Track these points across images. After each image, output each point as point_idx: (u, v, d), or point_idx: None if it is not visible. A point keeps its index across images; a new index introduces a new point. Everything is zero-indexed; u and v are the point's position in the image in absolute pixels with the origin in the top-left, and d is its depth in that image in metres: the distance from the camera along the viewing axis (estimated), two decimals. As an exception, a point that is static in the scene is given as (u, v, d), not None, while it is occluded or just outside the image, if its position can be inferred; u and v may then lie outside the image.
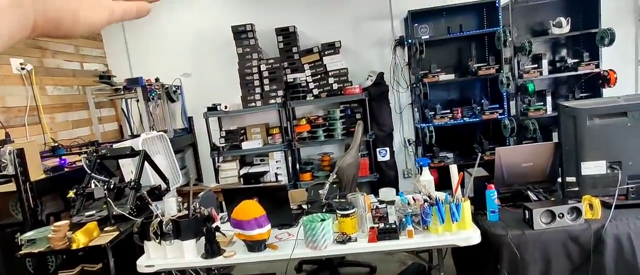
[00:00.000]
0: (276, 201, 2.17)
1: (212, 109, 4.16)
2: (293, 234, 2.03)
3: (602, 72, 3.80)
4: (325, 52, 4.14)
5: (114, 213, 2.24)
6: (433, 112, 4.07)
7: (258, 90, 4.08)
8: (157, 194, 2.57)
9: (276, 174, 4.02)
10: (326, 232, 1.87)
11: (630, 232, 1.74)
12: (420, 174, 2.29)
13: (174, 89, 4.01)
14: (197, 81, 4.52)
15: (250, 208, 1.92)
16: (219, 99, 4.23)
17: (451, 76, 4.11)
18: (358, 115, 4.28)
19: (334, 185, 2.53)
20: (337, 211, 1.98)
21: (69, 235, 2.05)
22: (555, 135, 4.19)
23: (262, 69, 4.05)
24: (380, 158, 4.18)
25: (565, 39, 4.16)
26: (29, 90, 3.36)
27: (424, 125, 3.98)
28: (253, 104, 4.09)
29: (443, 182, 4.20)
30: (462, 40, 4.23)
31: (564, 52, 4.22)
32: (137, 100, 3.83)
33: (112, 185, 2.29)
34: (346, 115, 4.26)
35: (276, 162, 4.17)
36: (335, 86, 4.16)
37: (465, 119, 4.02)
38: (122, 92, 3.64)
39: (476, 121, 3.99)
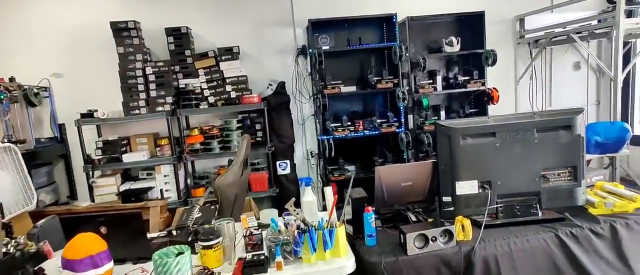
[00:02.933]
0: (130, 230, 1.82)
1: (87, 115, 3.60)
2: (148, 270, 1.71)
3: (487, 90, 4.06)
4: (222, 57, 3.84)
5: None
6: (335, 124, 3.99)
7: (143, 95, 3.63)
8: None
9: (162, 191, 3.59)
10: (182, 269, 1.58)
11: (497, 253, 1.74)
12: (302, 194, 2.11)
13: (36, 92, 3.38)
14: (71, 84, 3.90)
15: (85, 243, 1.56)
16: (98, 104, 3.69)
17: (353, 88, 4.08)
18: (257, 126, 4.05)
19: (212, 207, 2.25)
20: (199, 242, 1.70)
21: None
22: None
23: (148, 72, 3.61)
24: (280, 171, 3.98)
25: (457, 57, 4.39)
26: None
27: (324, 137, 3.88)
28: (137, 111, 3.62)
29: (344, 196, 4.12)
30: (363, 53, 4.23)
31: (455, 70, 4.45)
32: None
33: None
34: (244, 125, 4.00)
35: (164, 176, 3.74)
36: (232, 94, 3.88)
37: (365, 131, 4.00)
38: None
39: (376, 134, 4.00)
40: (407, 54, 3.84)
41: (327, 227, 1.71)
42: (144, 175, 3.86)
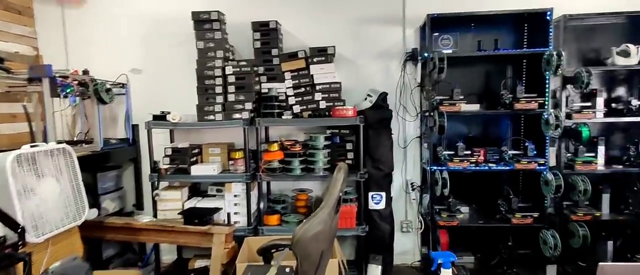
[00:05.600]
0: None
1: (160, 117, 3.16)
2: None
3: (683, 122, 2.80)
4: (314, 59, 3.15)
5: None
6: (449, 152, 3.06)
7: (220, 99, 3.08)
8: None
9: (229, 215, 2.97)
10: None
11: None
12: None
13: (108, 88, 3.01)
14: (149, 81, 3.53)
15: None
16: (173, 106, 3.24)
17: (475, 106, 3.10)
18: (348, 145, 3.27)
19: (286, 270, 1.50)
20: None
21: None
22: (605, 198, 3.17)
23: (227, 73, 3.06)
24: (372, 205, 3.14)
25: (629, 74, 3.18)
26: None
27: (435, 168, 2.96)
28: (211, 117, 3.08)
29: (457, 243, 3.19)
30: (493, 61, 3.24)
31: (623, 90, 3.23)
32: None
33: None
34: (333, 143, 3.25)
35: (235, 196, 3.14)
36: (322, 104, 3.17)
37: (490, 165, 3.00)
38: (25, 84, 2.64)
39: (505, 169, 2.97)
40: (563, 65, 2.77)
41: None
42: (214, 191, 3.31)
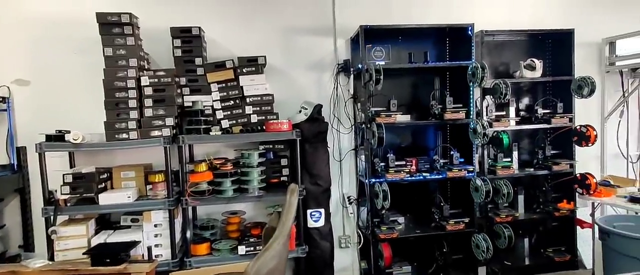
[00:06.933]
0: None
1: (56, 138, 2.62)
2: None
3: (580, 128, 3.16)
4: (244, 70, 2.92)
5: None
6: (382, 163, 3.04)
7: (134, 114, 2.66)
8: None
9: (150, 249, 2.55)
10: None
11: None
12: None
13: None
14: (39, 94, 2.94)
15: None
16: (73, 124, 2.71)
17: (407, 117, 3.15)
18: (283, 161, 3.08)
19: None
20: None
21: None
22: (521, 199, 3.45)
23: (143, 84, 2.66)
24: (312, 223, 2.98)
25: (533, 85, 3.53)
26: None
27: (374, 180, 2.92)
28: (124, 135, 2.64)
29: (394, 253, 3.13)
30: (421, 73, 3.35)
31: (527, 100, 3.58)
32: None
33: None
34: (267, 160, 3.03)
35: (155, 226, 2.72)
36: (254, 118, 2.94)
37: (424, 174, 3.05)
38: None
39: (438, 179, 3.05)
40: (486, 77, 2.95)
41: None
42: (128, 222, 2.84)
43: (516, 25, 3.38)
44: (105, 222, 2.91)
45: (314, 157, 2.96)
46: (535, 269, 3.33)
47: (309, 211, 2.97)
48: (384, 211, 2.96)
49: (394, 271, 3.14)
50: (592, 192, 3.05)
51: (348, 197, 3.31)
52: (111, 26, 2.61)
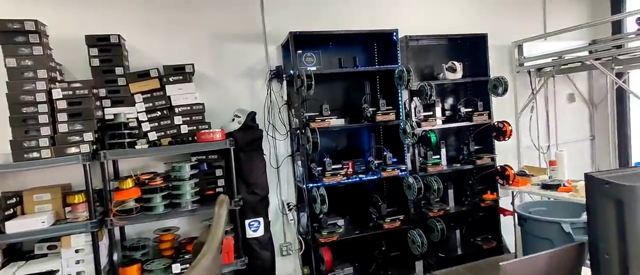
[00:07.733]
0: None
1: (-51, 162, 2.29)
2: None
3: (497, 124, 3.44)
4: (170, 79, 2.79)
5: None
6: (320, 168, 3.07)
7: (46, 131, 2.41)
8: None
9: (71, 278, 2.33)
10: None
11: None
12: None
13: None
14: None
15: None
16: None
17: (341, 121, 3.21)
18: (218, 172, 2.99)
19: None
20: None
21: None
22: (451, 193, 3.66)
23: (56, 97, 2.44)
24: (250, 233, 2.91)
25: (455, 86, 3.78)
26: None
27: (312, 185, 2.93)
28: (35, 154, 2.39)
29: (335, 256, 3.17)
30: (352, 78, 3.43)
31: (451, 100, 3.82)
32: None
33: None
34: (201, 171, 2.92)
35: (76, 252, 2.48)
36: (184, 129, 2.81)
37: (360, 176, 3.12)
38: None
39: (374, 179, 3.13)
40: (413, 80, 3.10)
41: None
42: (44, 250, 2.57)
43: (437, 31, 3.60)
44: (15, 252, 2.61)
45: (249, 166, 2.90)
46: (466, 258, 3.55)
47: (247, 221, 2.90)
48: (322, 215, 2.98)
49: (336, 274, 3.16)
50: (511, 182, 3.31)
51: (287, 204, 3.29)
52: (13, 34, 2.36)
